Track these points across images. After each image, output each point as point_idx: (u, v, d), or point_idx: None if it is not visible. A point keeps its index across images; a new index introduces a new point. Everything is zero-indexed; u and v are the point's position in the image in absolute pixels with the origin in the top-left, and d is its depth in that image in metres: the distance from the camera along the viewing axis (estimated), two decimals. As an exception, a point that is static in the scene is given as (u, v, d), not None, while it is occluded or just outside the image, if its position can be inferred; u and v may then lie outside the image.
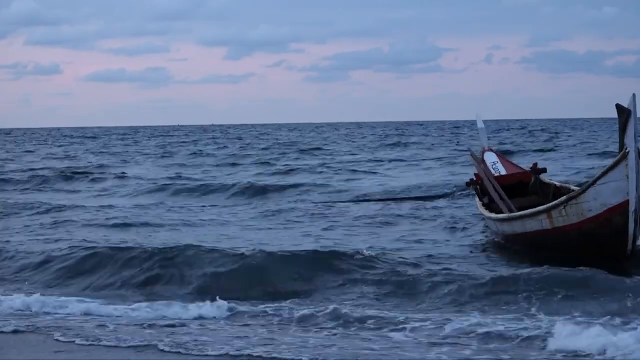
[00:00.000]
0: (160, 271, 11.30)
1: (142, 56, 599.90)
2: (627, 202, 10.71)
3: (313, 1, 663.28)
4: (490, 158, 15.77)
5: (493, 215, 13.44)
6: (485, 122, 17.74)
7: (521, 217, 12.32)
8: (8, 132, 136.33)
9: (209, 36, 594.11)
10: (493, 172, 15.29)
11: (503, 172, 15.39)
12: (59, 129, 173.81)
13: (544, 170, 15.05)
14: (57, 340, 8.10)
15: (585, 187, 11.21)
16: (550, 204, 11.81)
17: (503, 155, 16.67)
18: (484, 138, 16.61)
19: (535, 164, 15.15)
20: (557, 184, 14.69)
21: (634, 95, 10.56)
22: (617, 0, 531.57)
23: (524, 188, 14.67)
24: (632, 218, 10.76)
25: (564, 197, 11.57)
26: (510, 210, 13.49)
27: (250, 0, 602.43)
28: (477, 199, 14.84)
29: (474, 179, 15.23)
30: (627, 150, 10.60)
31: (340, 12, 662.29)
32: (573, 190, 12.56)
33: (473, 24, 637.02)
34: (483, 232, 14.30)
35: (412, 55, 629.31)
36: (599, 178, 10.97)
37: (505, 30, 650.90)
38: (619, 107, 10.61)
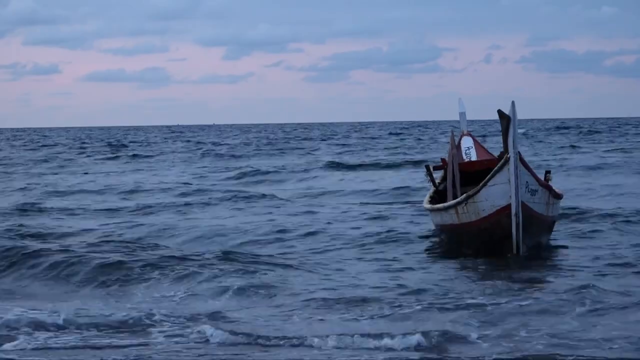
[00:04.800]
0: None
1: (141, 56, 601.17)
2: (510, 206, 11.09)
3: (312, 1, 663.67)
4: (466, 143, 15.49)
5: (426, 205, 13.62)
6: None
7: (439, 209, 12.62)
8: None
9: (207, 36, 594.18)
10: (465, 157, 15.03)
11: (474, 158, 15.11)
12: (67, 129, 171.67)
13: None
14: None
15: (479, 187, 11.51)
16: (456, 200, 12.14)
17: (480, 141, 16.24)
18: (464, 122, 16.23)
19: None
20: None
21: (513, 102, 10.90)
22: (616, 0, 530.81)
23: None
24: (514, 221, 11.05)
25: (464, 195, 11.88)
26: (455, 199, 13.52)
27: (249, 0, 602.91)
28: (431, 185, 14.80)
29: (440, 164, 15.07)
30: (508, 156, 10.96)
31: (339, 11, 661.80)
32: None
33: (472, 24, 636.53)
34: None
35: (412, 55, 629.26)
36: (489, 179, 11.31)
37: (504, 30, 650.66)
38: (500, 113, 10.94)
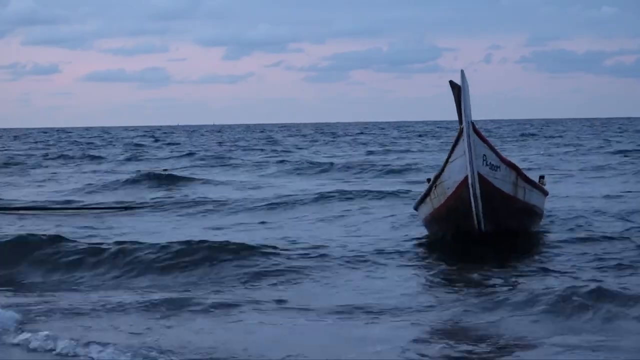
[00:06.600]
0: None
1: (141, 56, 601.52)
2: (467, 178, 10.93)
3: (312, 1, 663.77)
4: None
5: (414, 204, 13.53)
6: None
7: (420, 202, 12.48)
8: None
9: (207, 36, 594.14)
10: None
11: None
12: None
13: None
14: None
15: (443, 165, 11.41)
16: (428, 186, 12.00)
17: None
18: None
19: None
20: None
21: (462, 71, 10.75)
22: (616, 0, 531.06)
23: None
24: (471, 192, 10.88)
25: (433, 178, 11.78)
26: None
27: (249, 0, 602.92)
28: None
29: None
30: (462, 127, 10.83)
31: (339, 11, 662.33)
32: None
33: (472, 24, 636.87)
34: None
35: (412, 55, 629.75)
36: (449, 156, 11.20)
37: (504, 30, 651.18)
38: (451, 83, 10.84)
